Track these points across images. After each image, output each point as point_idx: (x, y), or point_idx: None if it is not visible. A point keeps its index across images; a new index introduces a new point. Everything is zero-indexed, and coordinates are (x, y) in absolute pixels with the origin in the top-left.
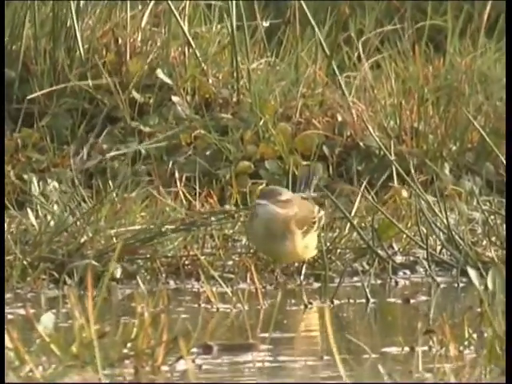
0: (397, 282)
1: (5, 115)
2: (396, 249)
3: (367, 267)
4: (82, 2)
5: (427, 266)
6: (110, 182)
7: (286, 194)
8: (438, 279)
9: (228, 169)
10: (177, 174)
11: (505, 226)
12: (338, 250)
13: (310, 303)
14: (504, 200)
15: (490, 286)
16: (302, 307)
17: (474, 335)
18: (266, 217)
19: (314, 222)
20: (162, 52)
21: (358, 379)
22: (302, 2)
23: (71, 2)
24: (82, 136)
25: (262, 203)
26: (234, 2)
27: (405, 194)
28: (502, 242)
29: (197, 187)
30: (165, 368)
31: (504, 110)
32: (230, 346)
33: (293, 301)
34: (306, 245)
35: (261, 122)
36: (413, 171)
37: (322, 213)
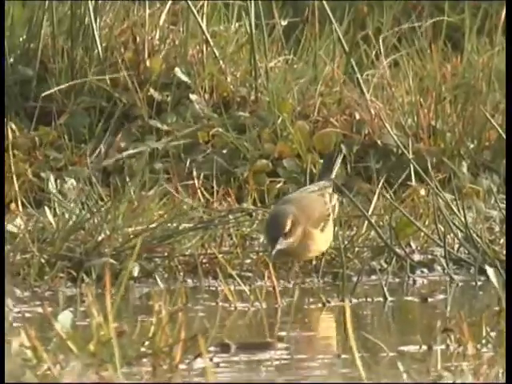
0: (414, 281)
1: (22, 113)
2: (414, 247)
3: (385, 265)
4: (99, 0)
5: (445, 265)
6: (128, 180)
7: (287, 221)
8: (456, 277)
9: (246, 167)
10: (194, 173)
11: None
12: (356, 249)
13: (328, 301)
14: None
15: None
16: (320, 305)
17: (492, 334)
18: (282, 249)
19: (329, 214)
20: (180, 50)
21: (375, 378)
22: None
23: (89, 0)
24: (100, 134)
25: (277, 249)
26: (252, 1)
27: (422, 192)
28: None
29: (214, 185)
30: (182, 366)
31: None
32: (247, 344)
33: (310, 299)
34: (326, 238)
35: (279, 121)
36: (430, 169)
37: (335, 199)
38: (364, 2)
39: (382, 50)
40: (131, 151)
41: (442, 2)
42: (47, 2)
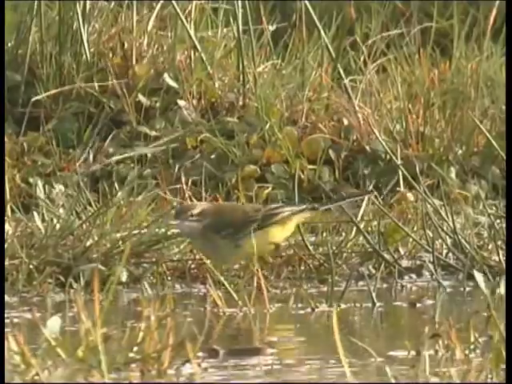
0: (403, 286)
1: (10, 119)
2: (402, 253)
3: (373, 271)
4: (88, 6)
5: (433, 270)
6: (116, 186)
7: (201, 207)
8: (444, 283)
9: (234, 172)
10: (183, 178)
11: (506, 226)
12: (344, 254)
13: (317, 307)
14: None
15: (502, 291)
16: (309, 311)
17: (480, 339)
18: (185, 233)
19: (253, 221)
20: (168, 56)
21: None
22: (309, 6)
23: (77, 6)
24: (88, 140)
25: (175, 223)
26: (240, 6)
27: (411, 197)
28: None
29: (203, 191)
30: (171, 372)
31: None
32: (236, 349)
33: (299, 304)
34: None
35: (267, 126)
36: (419, 175)
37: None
38: (352, 8)
39: (369, 56)
40: (119, 157)
41: (430, 8)
42: (35, 7)
